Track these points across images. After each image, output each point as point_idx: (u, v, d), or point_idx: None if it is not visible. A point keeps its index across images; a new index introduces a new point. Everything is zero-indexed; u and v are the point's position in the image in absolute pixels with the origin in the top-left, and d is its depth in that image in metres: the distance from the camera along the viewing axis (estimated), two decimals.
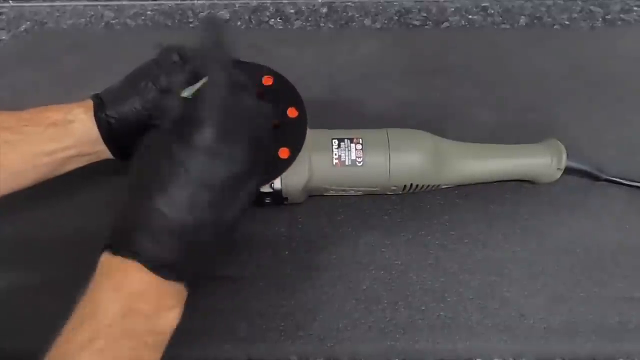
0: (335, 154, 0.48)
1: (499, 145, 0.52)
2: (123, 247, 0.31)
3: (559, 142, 0.51)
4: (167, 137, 0.33)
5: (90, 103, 0.43)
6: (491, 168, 0.51)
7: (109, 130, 0.43)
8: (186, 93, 0.37)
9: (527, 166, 0.51)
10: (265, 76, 0.46)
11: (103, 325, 0.30)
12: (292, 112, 0.45)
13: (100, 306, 0.31)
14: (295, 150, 0.44)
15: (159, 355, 0.32)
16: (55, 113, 0.42)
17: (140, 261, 0.31)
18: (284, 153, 0.44)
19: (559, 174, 0.51)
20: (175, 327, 0.33)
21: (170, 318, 0.33)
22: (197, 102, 0.33)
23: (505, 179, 0.52)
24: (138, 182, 0.33)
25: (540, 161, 0.50)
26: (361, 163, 0.48)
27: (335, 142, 0.48)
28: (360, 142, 0.48)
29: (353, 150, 0.48)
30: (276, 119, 0.45)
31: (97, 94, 0.44)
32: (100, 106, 0.43)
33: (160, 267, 0.31)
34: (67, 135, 0.42)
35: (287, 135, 0.45)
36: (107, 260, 0.32)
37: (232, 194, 0.33)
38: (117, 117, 0.42)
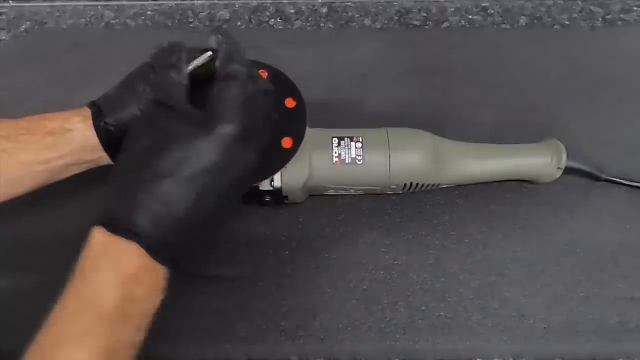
0: (335, 152, 0.48)
1: (498, 145, 0.52)
2: (122, 226, 0.31)
3: (558, 141, 0.51)
4: (175, 119, 0.33)
5: (87, 111, 0.42)
6: (491, 168, 0.51)
7: (108, 138, 0.42)
8: (191, 67, 0.37)
9: (527, 166, 0.51)
10: (260, 70, 0.46)
11: (104, 310, 0.30)
12: (290, 103, 0.45)
13: (99, 290, 0.30)
14: (298, 139, 0.44)
15: (143, 336, 0.32)
16: (52, 122, 0.42)
17: (140, 243, 0.30)
18: (287, 143, 0.44)
19: (558, 174, 0.51)
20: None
21: (158, 300, 0.33)
22: (222, 95, 0.33)
23: (505, 178, 0.52)
24: (138, 160, 0.32)
25: (540, 161, 0.50)
26: (361, 161, 0.48)
27: (335, 140, 0.48)
28: (360, 140, 0.48)
29: (353, 148, 0.48)
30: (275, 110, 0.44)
31: (94, 102, 0.43)
32: (98, 114, 0.42)
33: (158, 251, 0.31)
34: (64, 143, 0.41)
35: (287, 125, 0.44)
36: (103, 238, 0.31)
37: (237, 188, 0.34)
38: (115, 124, 0.42)
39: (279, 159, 0.44)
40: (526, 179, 0.52)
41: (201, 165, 0.31)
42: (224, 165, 0.32)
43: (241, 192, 0.35)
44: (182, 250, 0.33)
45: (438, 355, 0.44)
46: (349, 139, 0.48)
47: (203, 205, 0.32)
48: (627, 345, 0.44)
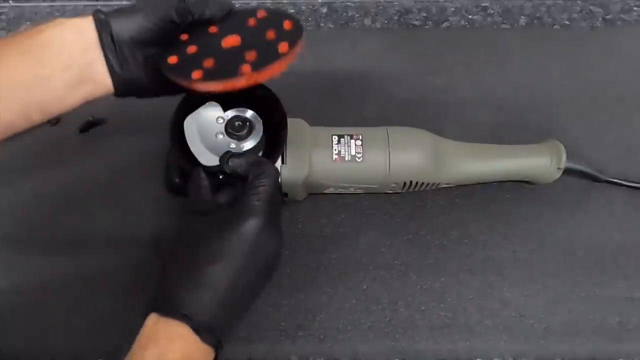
0: (335, 150, 0.48)
1: (498, 146, 0.52)
2: (172, 310, 0.34)
3: (558, 142, 0.51)
4: (208, 223, 0.37)
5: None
6: (491, 168, 0.51)
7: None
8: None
9: (527, 166, 0.51)
10: (259, 11, 0.45)
11: None
12: (287, 25, 0.44)
13: None
14: (292, 44, 0.42)
15: None
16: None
17: (189, 324, 0.33)
18: (283, 47, 0.42)
19: (558, 174, 0.51)
20: None
21: None
22: (249, 195, 0.37)
23: (505, 179, 0.52)
24: (187, 254, 0.36)
25: (540, 161, 0.50)
26: (361, 159, 0.48)
27: (335, 138, 0.48)
28: (360, 138, 0.48)
29: (353, 146, 0.48)
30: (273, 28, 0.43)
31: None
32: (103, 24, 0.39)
33: (204, 331, 0.34)
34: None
35: (284, 37, 0.43)
36: (154, 322, 0.34)
37: (266, 269, 0.38)
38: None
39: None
40: (526, 180, 0.52)
41: (235, 256, 0.36)
42: (255, 251, 0.36)
43: (272, 270, 0.39)
44: (224, 329, 0.35)
45: (438, 355, 0.44)
46: (348, 137, 0.48)
47: (240, 288, 0.36)
48: (627, 345, 0.44)
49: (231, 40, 0.42)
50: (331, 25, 0.71)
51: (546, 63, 0.65)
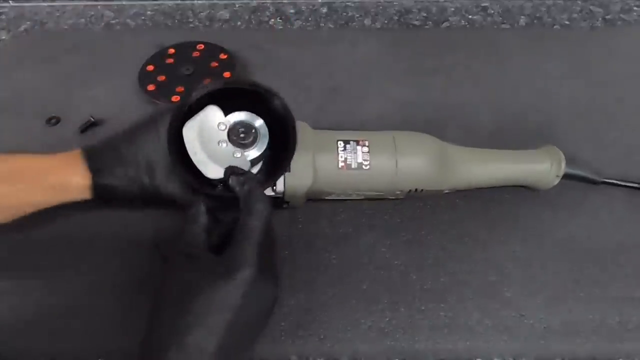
0: (341, 157, 0.46)
1: (498, 151, 0.51)
2: None
3: (557, 149, 0.51)
4: (199, 269, 0.35)
5: (86, 172, 0.42)
6: (491, 173, 0.50)
7: (102, 194, 0.43)
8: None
9: (527, 172, 0.50)
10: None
11: None
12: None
13: None
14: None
15: None
16: (53, 176, 0.42)
17: None
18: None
19: (556, 182, 0.51)
20: None
21: None
22: (241, 242, 0.35)
23: (503, 184, 0.52)
24: (168, 313, 0.34)
25: (540, 167, 0.50)
26: (368, 166, 0.46)
27: (341, 144, 0.46)
28: (367, 144, 0.46)
29: (359, 152, 0.46)
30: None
31: (93, 157, 0.43)
32: (97, 174, 0.42)
33: None
34: (61, 197, 0.43)
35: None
36: None
37: (261, 318, 0.37)
38: (114, 185, 0.43)
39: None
40: (524, 185, 0.52)
41: (227, 309, 0.33)
42: (249, 303, 0.34)
43: (268, 316, 0.37)
44: None
45: (438, 355, 0.44)
46: (355, 143, 0.46)
47: (233, 340, 0.34)
48: (627, 345, 0.44)
49: None
50: (331, 25, 0.71)
51: (546, 63, 0.65)
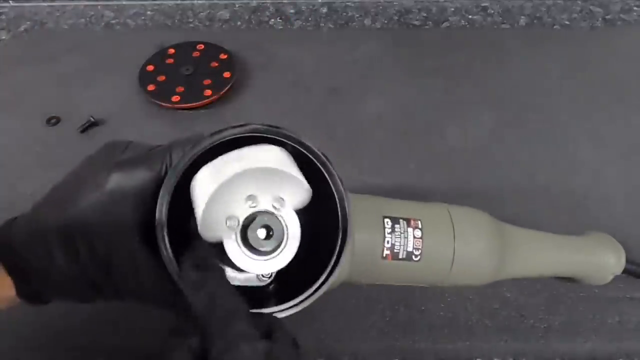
0: (387, 242, 0.33)
1: (557, 236, 0.43)
2: None
3: (619, 246, 0.44)
4: None
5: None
6: (549, 264, 0.42)
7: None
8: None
9: (585, 265, 0.42)
10: None
11: None
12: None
13: None
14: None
15: None
16: None
17: None
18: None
19: (610, 278, 0.44)
20: None
21: None
22: None
23: (553, 276, 0.44)
24: None
25: (598, 260, 0.43)
26: (419, 258, 0.34)
27: (388, 222, 0.34)
28: (420, 226, 0.34)
29: (410, 237, 0.34)
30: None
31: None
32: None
33: None
34: None
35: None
36: None
37: None
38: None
39: None
40: (569, 277, 0.45)
41: None
42: None
43: None
44: None
45: (438, 355, 0.44)
46: (405, 223, 0.34)
47: None
48: (627, 345, 0.44)
49: None
50: (331, 25, 0.71)
51: (546, 63, 0.65)
